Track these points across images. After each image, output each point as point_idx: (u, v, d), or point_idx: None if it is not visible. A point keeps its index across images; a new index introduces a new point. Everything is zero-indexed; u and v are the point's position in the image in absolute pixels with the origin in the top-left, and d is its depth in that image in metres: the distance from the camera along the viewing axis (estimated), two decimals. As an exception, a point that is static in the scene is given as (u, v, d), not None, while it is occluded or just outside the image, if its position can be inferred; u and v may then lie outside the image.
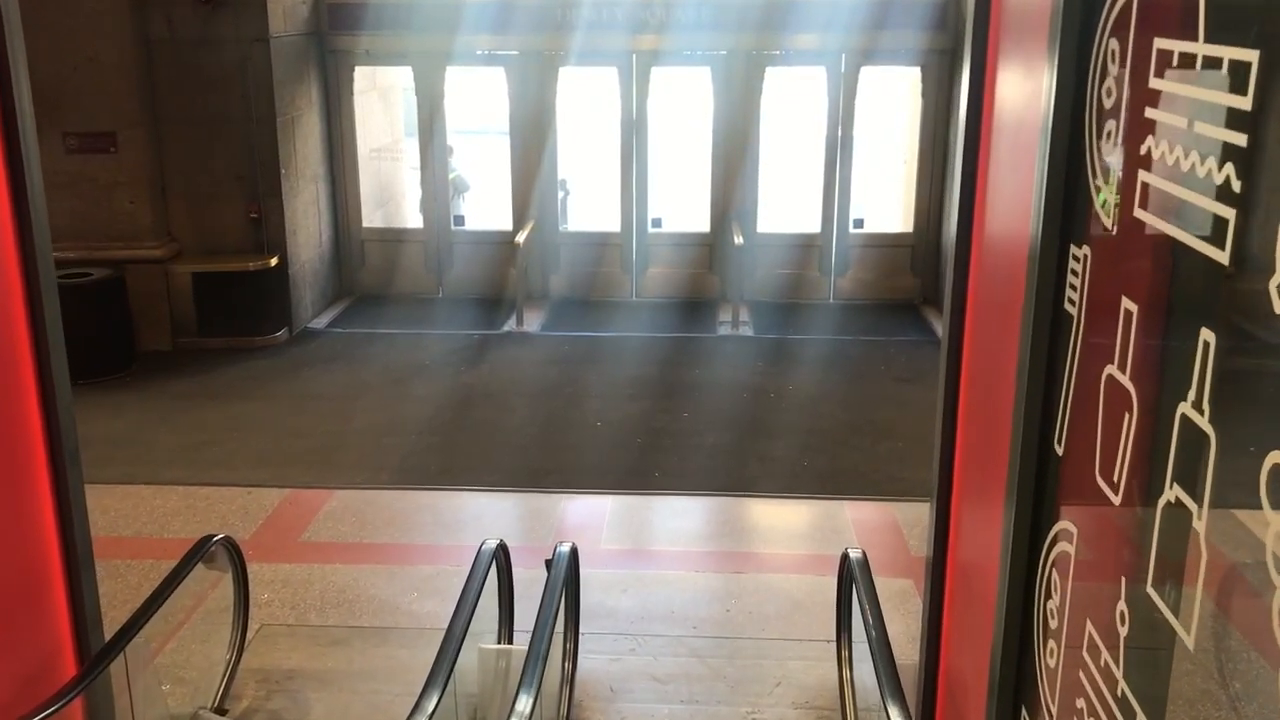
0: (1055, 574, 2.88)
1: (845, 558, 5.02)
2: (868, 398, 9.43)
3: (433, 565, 6.62)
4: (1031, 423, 2.97)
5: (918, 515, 7.19)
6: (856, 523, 7.21)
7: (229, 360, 10.29)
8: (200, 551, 4.93)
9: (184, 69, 10.22)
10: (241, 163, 10.49)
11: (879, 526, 7.14)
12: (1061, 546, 2.85)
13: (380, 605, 6.22)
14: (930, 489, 4.36)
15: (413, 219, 12.96)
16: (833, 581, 6.41)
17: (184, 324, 10.58)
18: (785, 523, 7.47)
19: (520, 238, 11.15)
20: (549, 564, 4.92)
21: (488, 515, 7.38)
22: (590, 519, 7.42)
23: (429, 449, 8.38)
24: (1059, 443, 2.85)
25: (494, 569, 5.19)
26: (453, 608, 4.53)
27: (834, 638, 5.38)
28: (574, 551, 5.10)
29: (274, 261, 10.60)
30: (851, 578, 4.87)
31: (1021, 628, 3.12)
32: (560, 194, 14.07)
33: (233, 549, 5.27)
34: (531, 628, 4.38)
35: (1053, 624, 2.90)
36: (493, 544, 5.00)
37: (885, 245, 12.11)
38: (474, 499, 7.60)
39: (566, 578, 5.11)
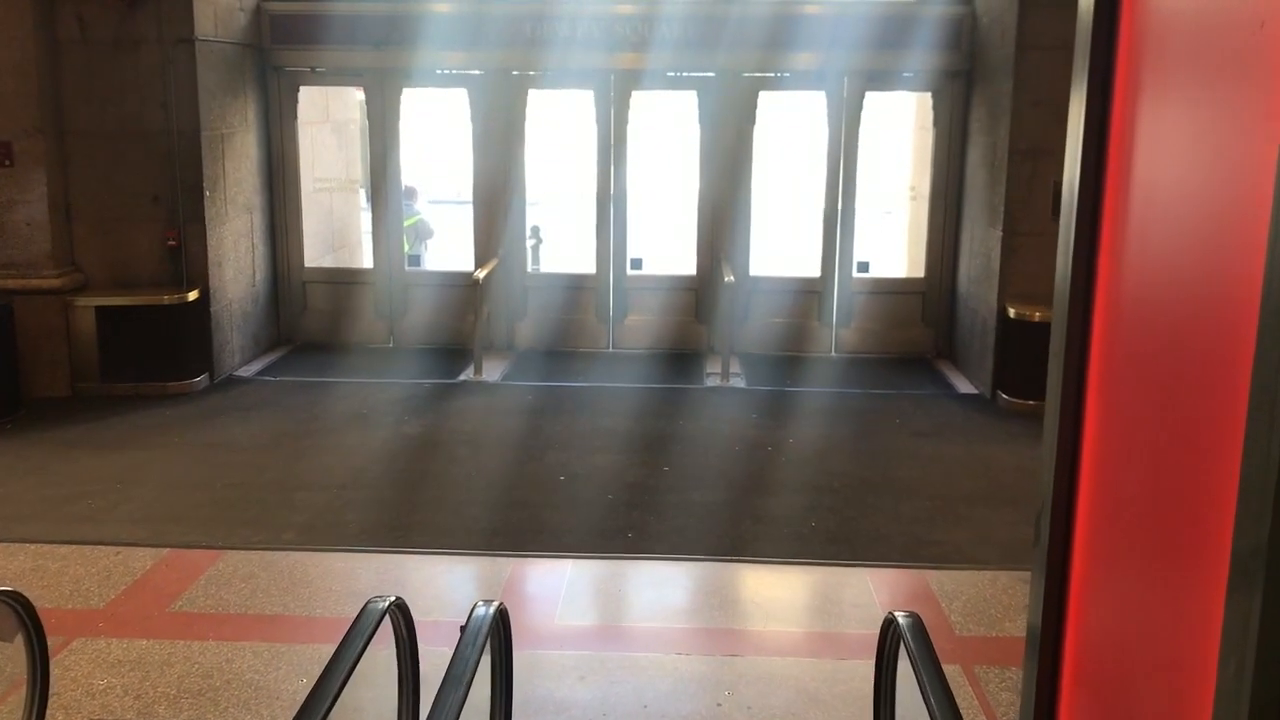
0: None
1: (890, 625, 3.53)
2: (882, 453, 7.97)
3: (333, 643, 5.04)
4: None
5: (959, 585, 5.71)
6: (881, 593, 5.69)
7: (134, 408, 8.78)
8: (-45, 610, 3.40)
9: (96, 73, 8.92)
10: (159, 182, 9.13)
11: (910, 598, 5.62)
12: None
13: (255, 693, 4.66)
14: (1037, 546, 2.88)
15: (368, 262, 11.57)
16: (856, 667, 4.89)
17: (85, 366, 9.09)
18: (790, 593, 5.95)
19: (480, 274, 9.76)
20: (464, 630, 3.41)
21: (414, 582, 5.84)
22: (543, 588, 5.90)
23: (350, 505, 6.85)
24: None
25: (392, 641, 3.69)
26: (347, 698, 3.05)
27: (868, 742, 3.85)
28: (502, 615, 3.59)
29: (193, 296, 9.17)
30: (899, 652, 3.38)
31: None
32: (532, 241, 12.79)
33: (23, 609, 3.73)
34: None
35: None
36: (382, 604, 3.49)
37: (893, 292, 10.77)
38: (398, 563, 6.06)
39: (493, 652, 3.60)
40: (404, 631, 3.58)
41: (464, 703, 2.98)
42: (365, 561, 6.04)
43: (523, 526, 6.57)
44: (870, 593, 5.71)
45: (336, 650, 3.20)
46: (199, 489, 7.09)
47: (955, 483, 7.38)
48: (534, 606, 5.66)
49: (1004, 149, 9.07)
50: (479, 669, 3.93)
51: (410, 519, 6.65)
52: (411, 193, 12.96)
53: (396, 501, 6.94)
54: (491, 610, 3.43)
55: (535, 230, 13.09)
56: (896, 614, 3.49)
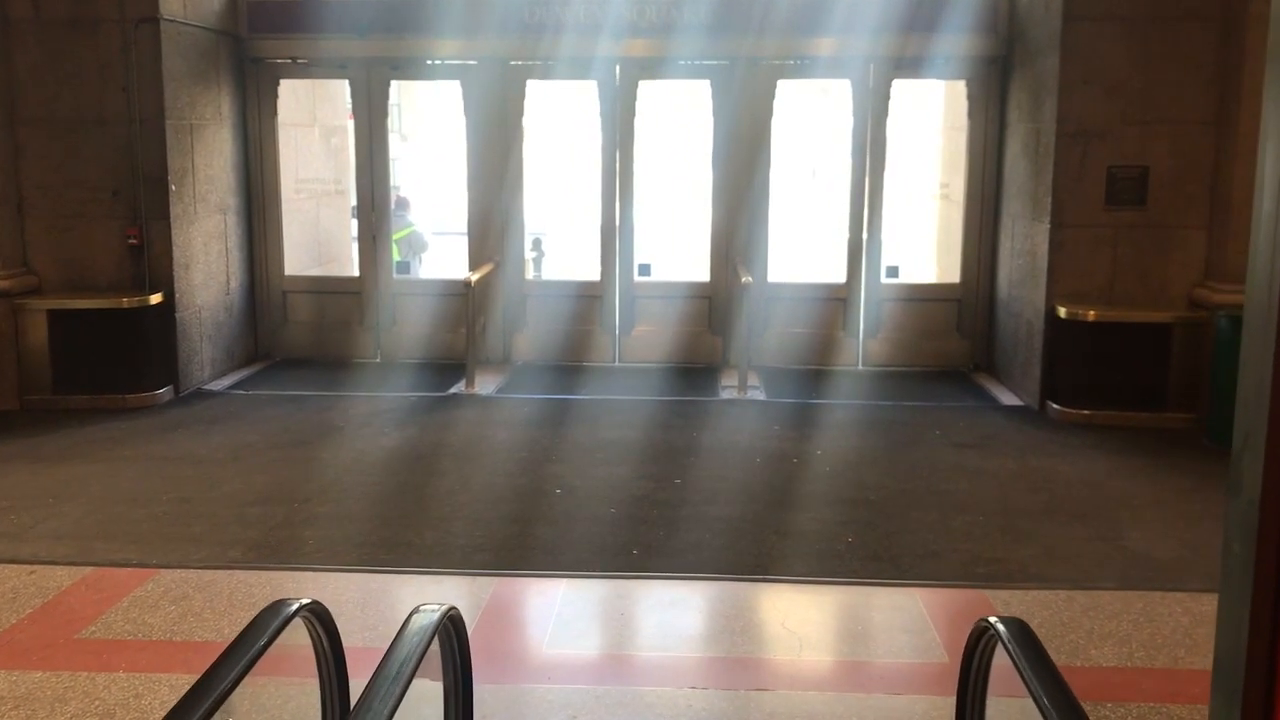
0: None
1: (983, 635, 2.59)
2: (923, 465, 7.01)
3: (269, 675, 4.15)
4: None
5: (1029, 607, 4.76)
6: (937, 616, 4.73)
7: (86, 421, 7.89)
8: None
9: (50, 55, 8.15)
10: (120, 175, 8.31)
11: (973, 620, 4.63)
12: None
13: (162, 739, 3.70)
14: (1236, 501, 1.92)
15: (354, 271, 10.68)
16: (913, 704, 3.93)
17: (36, 377, 8.23)
18: (827, 617, 4.98)
19: (474, 277, 8.88)
20: (393, 646, 2.47)
21: (376, 603, 4.89)
22: (531, 611, 4.96)
23: (311, 520, 5.92)
24: None
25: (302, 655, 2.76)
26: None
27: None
28: (454, 623, 2.65)
29: (155, 299, 8.31)
30: (1004, 663, 2.43)
31: None
32: (533, 253, 11.95)
33: None
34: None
35: None
36: (292, 606, 2.56)
37: (926, 299, 9.84)
38: (360, 582, 5.12)
39: (445, 674, 2.67)
40: (324, 644, 2.65)
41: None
42: (321, 581, 5.10)
43: (510, 543, 5.62)
44: (923, 615, 4.74)
45: (218, 659, 2.28)
46: (140, 504, 6.17)
47: (1011, 496, 6.41)
48: (519, 632, 4.71)
49: (1049, 133, 8.19)
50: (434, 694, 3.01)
51: (379, 535, 5.71)
52: (404, 203, 12.18)
53: (366, 516, 6.01)
54: (435, 618, 2.49)
55: (537, 242, 12.25)
56: (992, 619, 2.55)
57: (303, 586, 5.04)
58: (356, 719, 2.03)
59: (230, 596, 4.90)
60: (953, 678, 4.21)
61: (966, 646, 2.75)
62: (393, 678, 2.15)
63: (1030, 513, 6.13)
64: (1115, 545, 5.65)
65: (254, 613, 4.65)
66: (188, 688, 4.09)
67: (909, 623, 4.71)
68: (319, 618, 2.62)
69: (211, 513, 6.02)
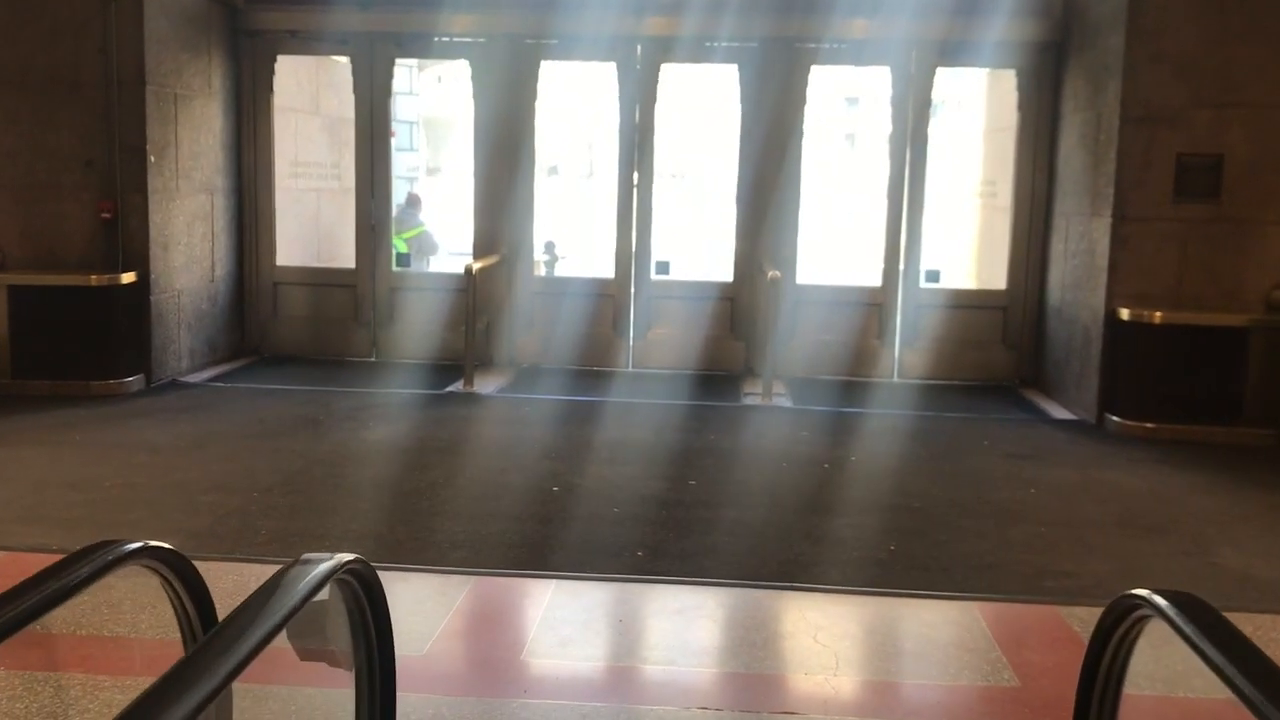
0: None
1: (1126, 615, 1.78)
2: (972, 474, 6.18)
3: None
4: None
5: (1117, 622, 3.84)
6: (1001, 633, 3.90)
7: (44, 407, 7.16)
8: None
9: (21, 12, 7.52)
10: (96, 143, 7.65)
11: (1045, 639, 3.82)
12: None
13: (28, 750, 2.93)
14: None
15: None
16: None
17: (-6, 360, 7.54)
18: (868, 631, 4.13)
19: (476, 265, 8.15)
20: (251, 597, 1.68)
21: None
22: (510, 614, 4.16)
23: (270, 510, 5.15)
24: None
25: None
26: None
27: None
28: (355, 575, 1.88)
29: (128, 279, 7.61)
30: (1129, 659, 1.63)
31: None
32: (545, 257, 11.25)
33: None
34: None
35: None
36: (124, 547, 1.79)
37: (969, 306, 9.01)
38: (312, 576, 4.33)
39: (357, 649, 1.88)
40: (180, 595, 1.88)
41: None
42: (266, 574, 4.29)
43: (494, 540, 4.83)
44: (985, 632, 3.91)
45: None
46: (79, 488, 5.41)
47: (1076, 508, 5.58)
48: (494, 638, 3.90)
49: (1112, 119, 7.41)
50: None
51: (343, 528, 4.93)
52: (415, 200, 11.51)
53: (331, 508, 5.23)
54: (323, 568, 1.71)
55: (550, 245, 11.55)
56: (1142, 592, 1.75)
57: (246, 579, 4.24)
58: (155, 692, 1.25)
59: (156, 588, 4.10)
60: (1025, 704, 3.39)
61: (1095, 637, 1.94)
62: (225, 643, 1.36)
63: (1100, 525, 5.30)
64: (1205, 562, 4.81)
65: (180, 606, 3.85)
66: (81, 688, 3.33)
67: (968, 640, 3.87)
68: (168, 565, 1.85)
69: (157, 500, 5.26)
